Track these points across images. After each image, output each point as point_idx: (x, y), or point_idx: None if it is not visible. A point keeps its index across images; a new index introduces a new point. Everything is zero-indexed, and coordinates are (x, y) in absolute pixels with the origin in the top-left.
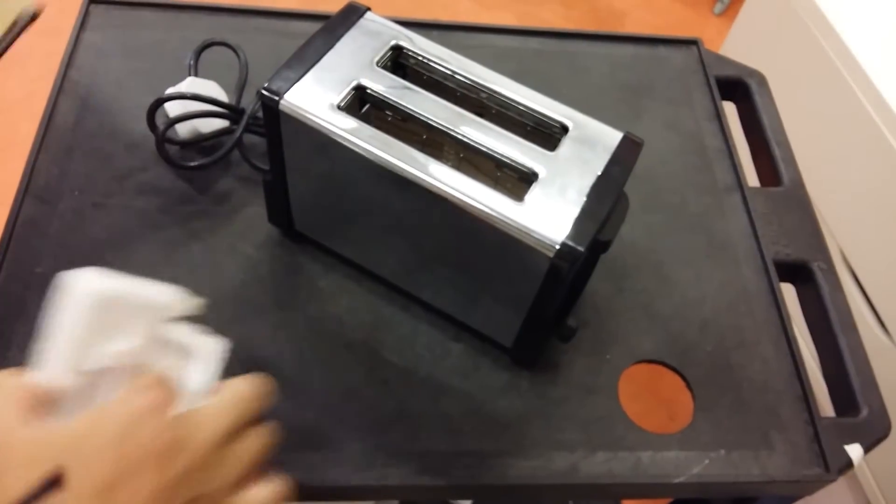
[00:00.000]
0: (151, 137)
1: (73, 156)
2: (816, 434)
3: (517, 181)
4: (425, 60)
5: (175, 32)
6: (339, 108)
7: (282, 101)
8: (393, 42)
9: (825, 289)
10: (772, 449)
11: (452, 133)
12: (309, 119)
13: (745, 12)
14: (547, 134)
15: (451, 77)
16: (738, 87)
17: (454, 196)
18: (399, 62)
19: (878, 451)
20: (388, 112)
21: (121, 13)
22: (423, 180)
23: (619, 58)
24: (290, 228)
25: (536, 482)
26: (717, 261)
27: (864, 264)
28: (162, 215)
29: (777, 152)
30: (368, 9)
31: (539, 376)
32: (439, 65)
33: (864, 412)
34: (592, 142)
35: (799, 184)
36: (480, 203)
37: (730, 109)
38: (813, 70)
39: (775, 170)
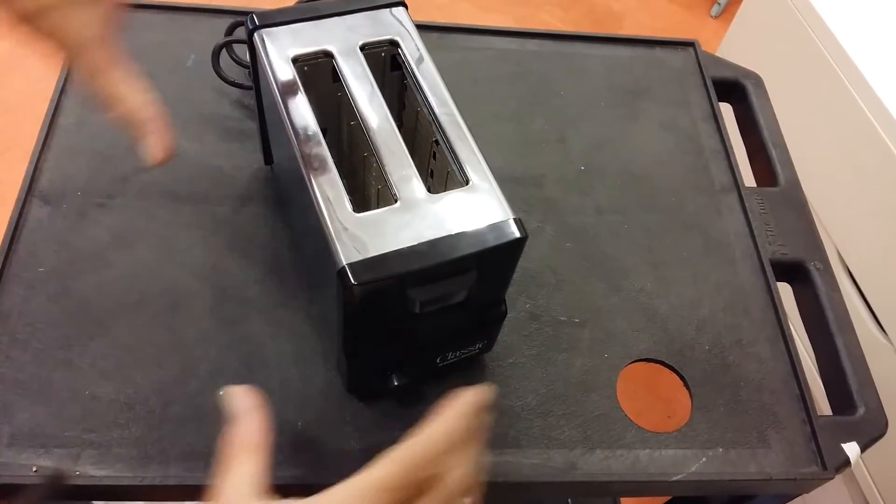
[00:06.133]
0: None
1: (75, 157)
2: (813, 432)
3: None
4: (409, 68)
5: (176, 34)
6: (292, 60)
7: (256, 33)
8: (390, 37)
9: (822, 288)
10: (769, 447)
11: (365, 129)
12: (262, 54)
13: (741, 14)
14: (454, 181)
15: (419, 94)
16: (734, 89)
17: (306, 173)
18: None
19: (874, 449)
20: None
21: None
22: (297, 149)
23: (616, 59)
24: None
25: (536, 480)
26: (714, 261)
27: (860, 264)
28: (163, 216)
29: (773, 153)
30: (404, 4)
31: (538, 375)
32: (416, 79)
33: (861, 411)
34: (477, 206)
35: (795, 184)
36: (322, 190)
37: (726, 111)
38: (809, 71)
39: (772, 170)
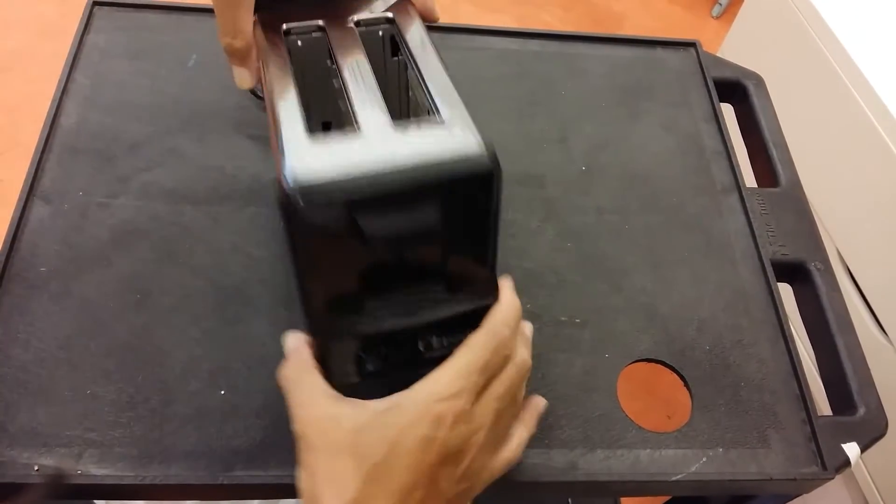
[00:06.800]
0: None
1: (77, 157)
2: (813, 433)
3: None
4: (406, 46)
5: (179, 34)
6: (285, 33)
7: (258, 14)
8: (388, 14)
9: (822, 289)
10: (769, 447)
11: (338, 68)
12: (259, 32)
13: (743, 15)
14: (423, 113)
15: (404, 48)
16: (735, 89)
17: (268, 97)
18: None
19: (874, 449)
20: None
21: (125, 15)
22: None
23: (617, 60)
24: None
25: (536, 479)
26: (714, 261)
27: (860, 264)
28: (165, 215)
29: (774, 153)
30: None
31: (538, 375)
32: (411, 51)
33: (861, 411)
34: (446, 137)
35: (796, 184)
36: (279, 113)
37: (727, 111)
38: (810, 72)
39: (773, 171)
